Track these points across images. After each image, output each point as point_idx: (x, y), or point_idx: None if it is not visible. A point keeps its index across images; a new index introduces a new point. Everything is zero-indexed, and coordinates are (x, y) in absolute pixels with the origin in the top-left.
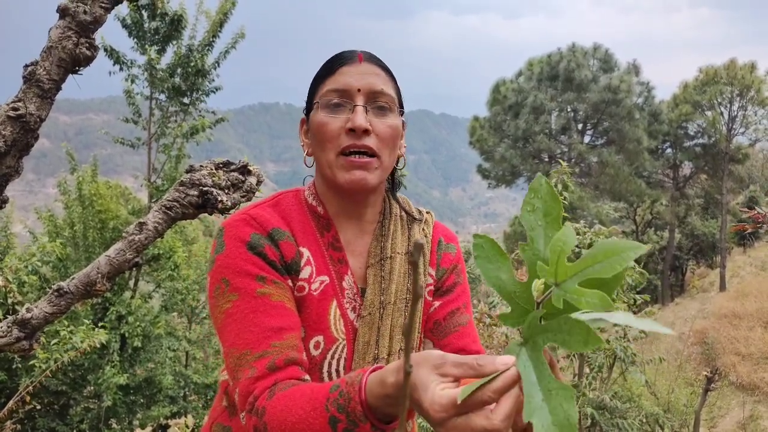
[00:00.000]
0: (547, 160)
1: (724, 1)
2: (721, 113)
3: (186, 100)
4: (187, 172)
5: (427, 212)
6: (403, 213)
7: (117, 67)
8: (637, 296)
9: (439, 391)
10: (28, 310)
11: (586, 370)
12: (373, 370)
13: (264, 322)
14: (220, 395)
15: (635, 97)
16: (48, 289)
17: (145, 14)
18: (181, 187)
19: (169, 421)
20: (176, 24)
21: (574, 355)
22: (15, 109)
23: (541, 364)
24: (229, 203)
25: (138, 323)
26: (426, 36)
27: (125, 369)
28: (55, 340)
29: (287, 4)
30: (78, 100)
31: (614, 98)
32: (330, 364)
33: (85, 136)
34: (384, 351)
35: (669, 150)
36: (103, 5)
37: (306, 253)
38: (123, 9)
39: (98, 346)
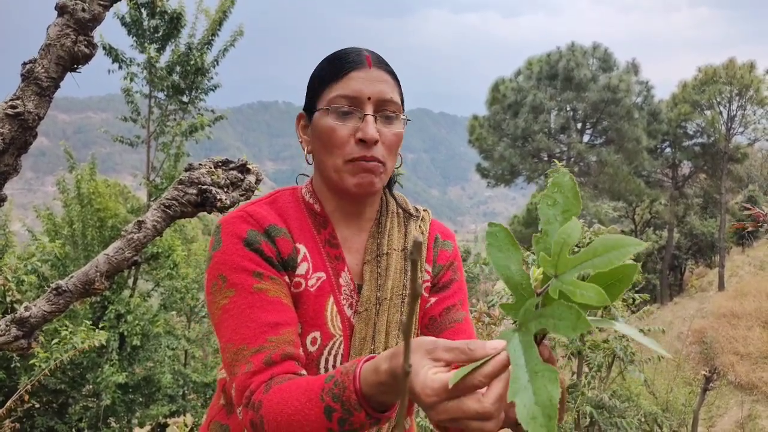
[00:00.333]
0: (546, 159)
1: (724, 0)
2: (720, 113)
3: (185, 99)
4: (186, 170)
5: (424, 210)
6: (400, 210)
7: (116, 65)
8: (636, 295)
9: (431, 375)
10: (26, 308)
11: (585, 369)
12: (368, 360)
13: (261, 318)
14: (218, 394)
15: (634, 97)
16: (47, 288)
17: (144, 12)
18: (179, 186)
19: (168, 419)
20: (175, 22)
21: (573, 354)
22: (13, 107)
23: (531, 347)
24: (228, 202)
25: (137, 322)
26: (425, 34)
27: (124, 368)
28: (55, 340)
29: (286, 3)
30: (77, 99)
31: (613, 97)
32: (327, 360)
33: (84, 135)
34: (380, 347)
35: (668, 149)
36: (102, 3)
37: (303, 249)
38: (122, 7)
39: (97, 346)
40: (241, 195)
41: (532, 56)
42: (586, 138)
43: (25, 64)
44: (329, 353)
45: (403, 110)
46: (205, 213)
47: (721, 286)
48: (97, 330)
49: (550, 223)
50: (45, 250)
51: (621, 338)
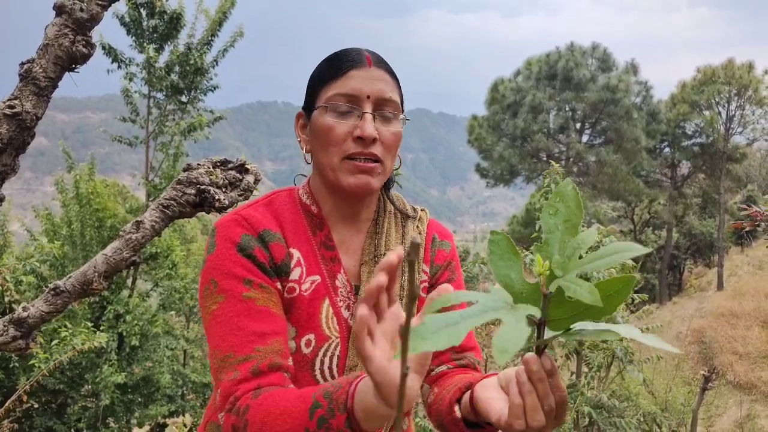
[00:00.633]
0: (545, 159)
1: (724, 0)
2: (719, 113)
3: (184, 99)
4: (185, 170)
5: (422, 210)
6: (397, 211)
7: (115, 65)
8: (635, 295)
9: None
10: (24, 309)
11: (584, 369)
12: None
13: (248, 326)
14: (215, 394)
15: (633, 97)
16: (45, 288)
17: (143, 12)
18: (178, 186)
19: (167, 419)
20: (175, 22)
21: (572, 354)
22: (11, 107)
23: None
24: (227, 202)
25: (136, 322)
26: (424, 34)
27: (123, 368)
28: (55, 341)
29: (286, 3)
30: (75, 98)
31: (612, 98)
32: (322, 362)
33: (82, 135)
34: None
35: (667, 149)
36: (100, 3)
37: (296, 254)
38: (122, 7)
39: (97, 346)
40: (240, 195)
41: (532, 56)
42: (585, 138)
43: (22, 63)
44: (324, 355)
45: (403, 111)
46: (204, 213)
47: (720, 286)
48: (97, 332)
49: (552, 232)
50: (43, 250)
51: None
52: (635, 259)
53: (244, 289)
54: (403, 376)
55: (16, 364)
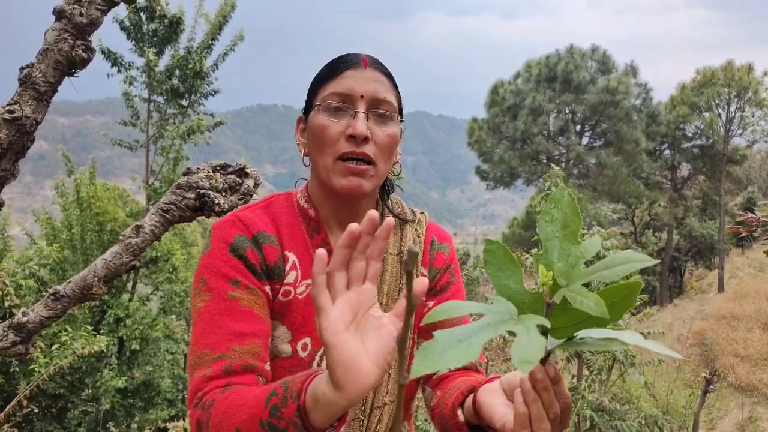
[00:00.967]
0: (545, 161)
1: (721, 2)
2: (719, 115)
3: (184, 103)
4: (185, 174)
5: (421, 212)
6: (396, 214)
7: (115, 69)
8: (636, 279)
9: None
10: (24, 314)
11: (585, 372)
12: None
13: (228, 325)
14: None
15: (633, 99)
16: (45, 292)
17: (143, 16)
18: (178, 190)
19: (167, 424)
20: (175, 26)
21: (572, 357)
22: (11, 111)
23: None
24: (227, 206)
25: (136, 326)
26: (424, 36)
27: (123, 372)
28: (55, 345)
29: (286, 5)
30: (76, 102)
31: (612, 100)
32: (319, 366)
33: (83, 138)
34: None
35: (667, 151)
36: (100, 7)
37: (292, 257)
38: (121, 11)
39: (97, 350)
40: (240, 199)
41: (531, 59)
42: (585, 140)
43: (22, 68)
44: (321, 358)
45: (401, 115)
46: (204, 217)
47: (720, 288)
48: (97, 335)
49: (550, 240)
50: (42, 253)
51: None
52: None
53: (230, 289)
54: (400, 386)
55: (17, 369)
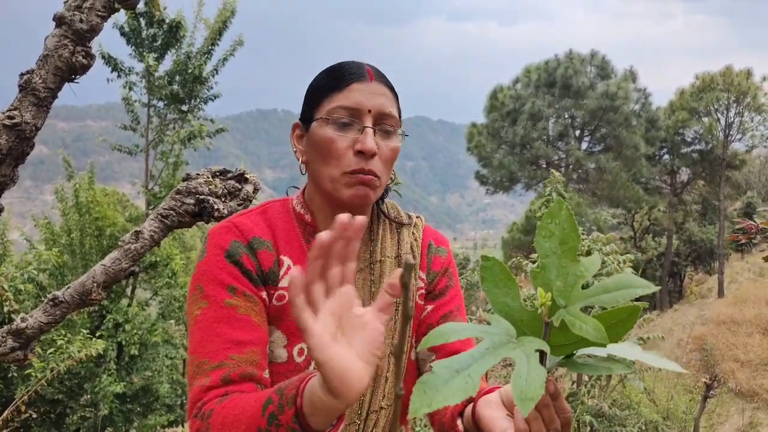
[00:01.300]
0: (544, 166)
1: (720, 8)
2: (718, 120)
3: (184, 108)
4: (184, 180)
5: (417, 216)
6: (392, 218)
7: (115, 74)
8: (636, 303)
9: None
10: (23, 319)
11: (585, 377)
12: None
13: (226, 334)
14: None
15: (632, 104)
16: (44, 297)
17: (143, 22)
18: (177, 196)
19: (166, 429)
20: (174, 31)
21: None
22: (10, 117)
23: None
24: (226, 211)
25: (135, 331)
26: (423, 42)
27: (122, 377)
28: (51, 350)
29: (286, 11)
30: (76, 107)
31: (611, 105)
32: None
33: (82, 143)
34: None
35: (666, 156)
36: (100, 14)
37: (287, 261)
38: (121, 16)
39: (95, 355)
40: (239, 204)
41: (530, 64)
42: (584, 145)
43: (22, 74)
44: (304, 340)
45: (401, 125)
46: (204, 222)
47: (720, 293)
48: (93, 339)
49: (547, 257)
50: (42, 258)
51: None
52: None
53: (227, 296)
54: (397, 396)
55: (15, 374)
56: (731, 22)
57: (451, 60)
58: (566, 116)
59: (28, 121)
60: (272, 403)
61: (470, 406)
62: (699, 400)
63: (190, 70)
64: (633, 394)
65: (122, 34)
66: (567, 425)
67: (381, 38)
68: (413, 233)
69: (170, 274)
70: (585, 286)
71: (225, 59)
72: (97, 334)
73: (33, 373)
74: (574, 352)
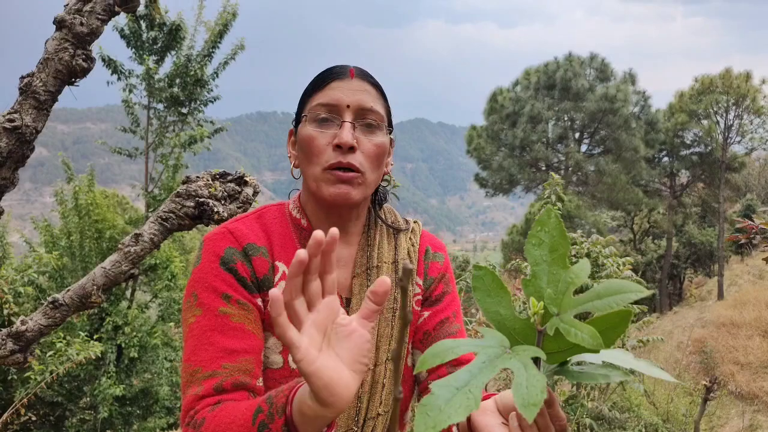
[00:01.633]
0: (544, 168)
1: (719, 11)
2: (717, 122)
3: (184, 110)
4: (184, 183)
5: (414, 221)
6: (389, 223)
7: (115, 76)
8: (635, 306)
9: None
10: (23, 322)
11: None
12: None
13: (219, 342)
14: None
15: (632, 106)
16: (44, 300)
17: (143, 24)
18: (177, 198)
19: None
20: (174, 34)
21: None
22: (11, 120)
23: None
24: (226, 214)
25: (134, 334)
26: (423, 44)
27: (121, 380)
28: (50, 352)
29: (285, 13)
30: (75, 109)
31: (611, 107)
32: None
33: (82, 145)
34: (370, 361)
35: (666, 159)
36: (100, 17)
37: (282, 267)
38: (121, 19)
39: (94, 358)
40: (239, 207)
41: (530, 67)
42: (584, 148)
43: (23, 77)
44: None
45: (390, 124)
46: (203, 225)
47: (720, 296)
48: (92, 341)
49: (538, 264)
50: (41, 261)
51: (621, 347)
52: (635, 267)
53: (222, 304)
54: (396, 400)
55: (14, 377)
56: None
57: (450, 62)
58: (566, 119)
59: (29, 124)
60: (262, 412)
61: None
62: (699, 402)
63: (191, 73)
64: (633, 397)
65: (122, 36)
66: None
67: (381, 40)
68: (410, 238)
69: (170, 277)
70: (581, 290)
71: (226, 63)
72: (96, 337)
73: (32, 376)
74: (568, 359)
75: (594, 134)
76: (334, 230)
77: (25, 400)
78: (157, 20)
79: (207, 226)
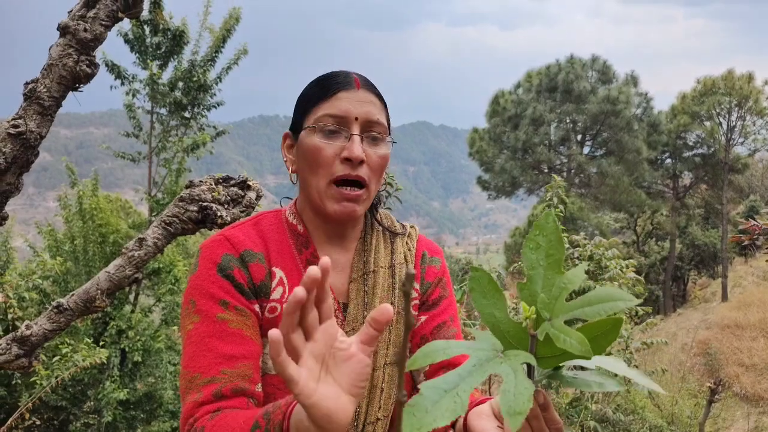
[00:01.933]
0: (546, 171)
1: (721, 12)
2: (720, 123)
3: (187, 114)
4: (187, 187)
5: (411, 226)
6: (385, 228)
7: (118, 81)
8: (639, 308)
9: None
10: (27, 327)
11: None
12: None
13: (218, 348)
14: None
15: (634, 108)
16: (48, 305)
17: (147, 29)
18: (180, 203)
19: None
20: (178, 39)
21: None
22: (15, 126)
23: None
24: (229, 218)
25: (138, 338)
26: (424, 47)
27: (125, 384)
28: (56, 358)
29: (287, 17)
30: (78, 114)
31: (613, 109)
32: None
33: (85, 150)
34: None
35: (668, 160)
36: (104, 23)
37: (279, 273)
38: (125, 24)
39: (99, 363)
40: (242, 211)
41: (532, 69)
42: (586, 150)
43: (27, 83)
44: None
45: (390, 133)
46: (207, 230)
47: (724, 297)
48: (98, 348)
49: (534, 269)
50: (45, 266)
51: (624, 351)
52: (638, 269)
53: (220, 311)
54: (400, 403)
55: (19, 381)
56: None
57: (452, 65)
58: (568, 121)
59: (33, 129)
60: (259, 427)
61: (461, 417)
62: (704, 404)
63: (194, 79)
64: (637, 399)
65: (126, 41)
66: None
67: (382, 43)
68: (407, 243)
69: (173, 281)
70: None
71: (229, 68)
72: (101, 344)
73: (38, 381)
74: (562, 364)
75: (596, 136)
76: (325, 260)
77: (30, 404)
78: (161, 26)
79: (210, 230)
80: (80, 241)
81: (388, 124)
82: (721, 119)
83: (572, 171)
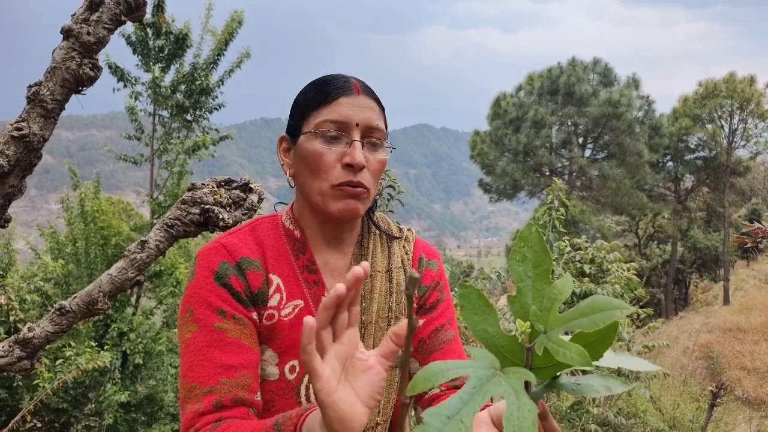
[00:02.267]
0: (548, 173)
1: (722, 15)
2: (722, 126)
3: (189, 117)
4: (189, 190)
5: (408, 229)
6: (382, 232)
7: (120, 83)
8: (641, 310)
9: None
10: (29, 329)
11: None
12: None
13: (216, 358)
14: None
15: (635, 111)
16: (50, 307)
17: (150, 32)
18: (182, 206)
19: None
20: (181, 42)
21: (577, 372)
22: (19, 128)
23: (521, 391)
24: (231, 221)
25: (139, 340)
26: (426, 50)
27: (126, 386)
28: (59, 361)
29: (288, 19)
30: (80, 116)
31: (614, 112)
32: (308, 388)
33: (87, 152)
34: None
35: (670, 163)
36: (107, 26)
37: (276, 280)
38: (128, 27)
39: (101, 366)
40: (244, 214)
41: (533, 72)
42: (587, 152)
43: (30, 86)
44: (310, 381)
45: (387, 137)
46: (209, 232)
47: (726, 300)
48: (101, 351)
49: (523, 281)
50: (47, 269)
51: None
52: (639, 272)
53: (217, 320)
54: (403, 404)
55: (20, 384)
56: (733, 28)
57: (453, 67)
58: (569, 124)
59: (36, 132)
60: None
61: None
62: (706, 408)
63: (197, 81)
64: (639, 403)
65: (129, 43)
66: None
67: (384, 46)
68: (404, 246)
69: (175, 283)
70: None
71: (231, 71)
72: (102, 344)
73: (40, 383)
74: (559, 373)
75: (598, 139)
76: (365, 264)
77: (32, 407)
78: (164, 29)
79: (212, 233)
80: (82, 244)
81: (386, 129)
82: (723, 122)
83: (574, 174)
